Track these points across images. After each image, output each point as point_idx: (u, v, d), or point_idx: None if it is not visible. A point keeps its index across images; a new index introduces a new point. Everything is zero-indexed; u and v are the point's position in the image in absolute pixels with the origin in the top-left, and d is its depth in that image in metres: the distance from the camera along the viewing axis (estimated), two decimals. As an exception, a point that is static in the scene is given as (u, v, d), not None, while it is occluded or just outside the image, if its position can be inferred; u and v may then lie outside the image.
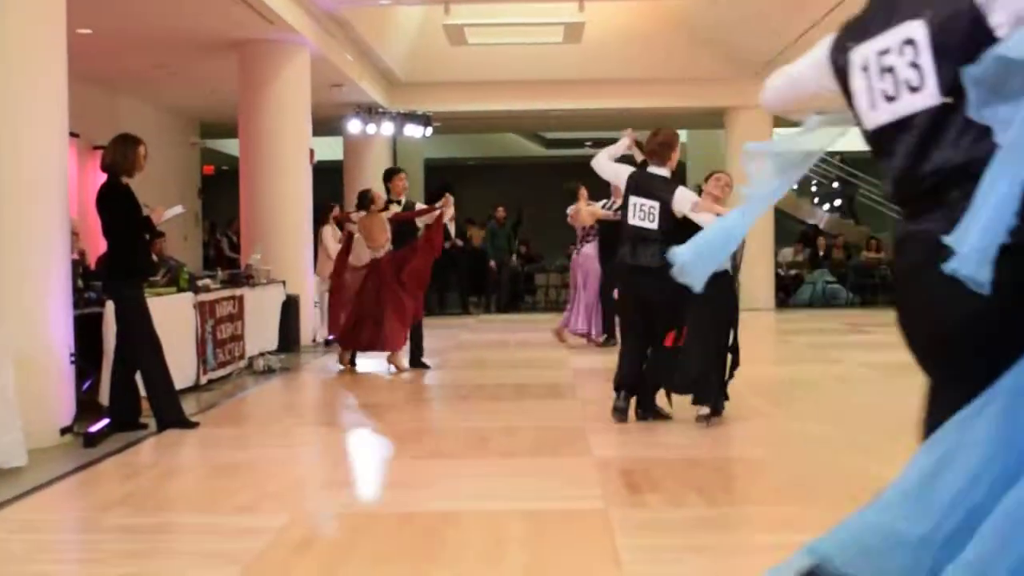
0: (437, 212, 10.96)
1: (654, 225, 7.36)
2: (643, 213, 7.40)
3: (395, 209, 11.18)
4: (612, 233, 11.79)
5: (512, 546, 4.54)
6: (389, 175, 11.80)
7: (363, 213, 10.96)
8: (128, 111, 16.64)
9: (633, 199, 7.48)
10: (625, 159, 8.44)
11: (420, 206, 11.67)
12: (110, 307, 7.76)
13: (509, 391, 9.53)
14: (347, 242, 11.21)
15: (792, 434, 7.49)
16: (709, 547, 4.49)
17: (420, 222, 11.17)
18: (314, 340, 13.64)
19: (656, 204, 7.37)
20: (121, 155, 7.43)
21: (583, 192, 12.83)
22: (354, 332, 10.83)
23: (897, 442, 6.74)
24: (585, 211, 12.12)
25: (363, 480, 6.29)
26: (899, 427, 7.21)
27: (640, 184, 7.55)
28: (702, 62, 19.48)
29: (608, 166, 7.98)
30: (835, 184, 26.19)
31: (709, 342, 7.34)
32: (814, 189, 26.35)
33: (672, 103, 20.48)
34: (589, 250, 13.07)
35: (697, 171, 25.84)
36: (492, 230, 21.29)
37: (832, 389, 9.48)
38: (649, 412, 7.61)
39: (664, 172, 7.55)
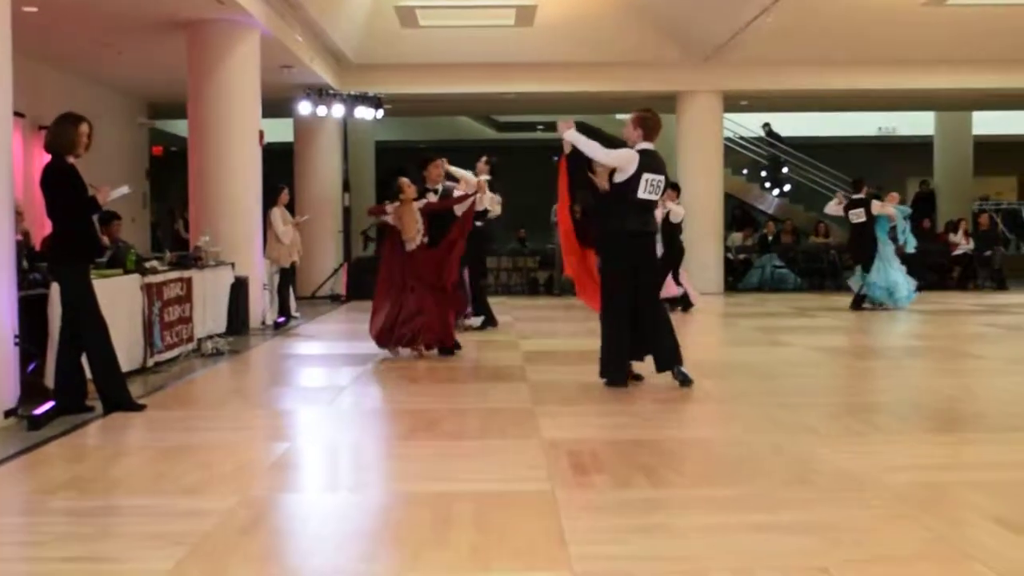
0: (471, 200, 10.72)
1: (657, 196, 8.53)
2: (652, 187, 8.38)
3: (431, 198, 10.90)
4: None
5: (458, 527, 4.56)
6: (424, 162, 11.43)
7: (397, 203, 10.53)
8: (75, 90, 16.43)
9: (646, 175, 8.35)
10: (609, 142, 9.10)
11: (457, 192, 11.26)
12: (55, 289, 7.68)
13: (460, 374, 9.55)
14: (389, 234, 10.73)
15: (739, 416, 7.55)
16: (655, 528, 4.53)
17: (457, 209, 10.78)
18: (263, 323, 13.58)
19: (662, 178, 8.47)
20: (64, 134, 7.34)
21: None
22: (391, 330, 10.43)
23: (841, 423, 6.86)
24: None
25: (310, 462, 6.28)
26: (844, 409, 7.34)
27: (651, 163, 8.43)
28: (653, 46, 19.54)
29: (612, 152, 8.55)
30: (785, 170, 26.39)
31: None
32: (763, 174, 26.53)
33: (623, 87, 20.54)
34: None
35: (648, 155, 25.93)
36: None
37: (779, 372, 9.56)
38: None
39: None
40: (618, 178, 8.38)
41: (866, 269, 16.00)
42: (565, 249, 9.23)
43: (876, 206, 15.92)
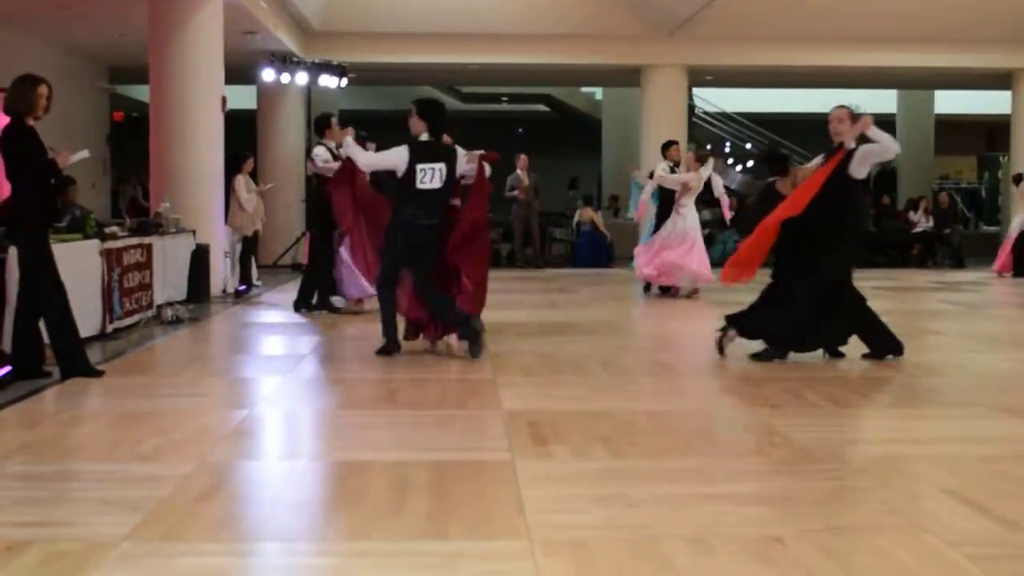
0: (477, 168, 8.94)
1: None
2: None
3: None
4: None
5: (415, 494, 4.56)
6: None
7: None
8: (32, 53, 16.18)
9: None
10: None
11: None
12: (13, 253, 7.60)
13: (419, 345, 9.53)
14: None
15: (696, 389, 7.60)
16: (614, 497, 4.55)
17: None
18: (224, 290, 13.50)
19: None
20: (22, 95, 7.24)
21: None
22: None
23: (798, 398, 6.91)
24: None
25: (269, 430, 6.26)
26: (802, 384, 7.39)
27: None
28: (619, 19, 19.53)
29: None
30: (748, 145, 26.48)
31: None
32: (727, 150, 26.60)
33: (588, 60, 20.56)
34: None
35: (611, 130, 25.97)
36: None
37: (735, 346, 9.61)
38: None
39: None
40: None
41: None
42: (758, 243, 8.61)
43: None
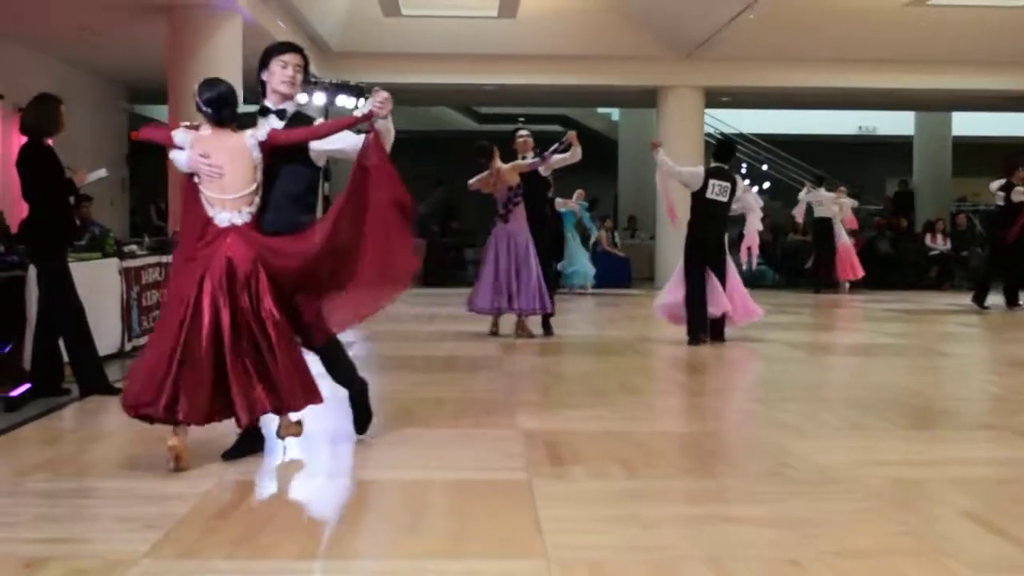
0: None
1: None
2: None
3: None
4: (538, 195, 11.71)
5: (432, 514, 4.57)
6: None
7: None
8: (55, 74, 16.33)
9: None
10: None
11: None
12: (32, 272, 7.65)
13: (437, 363, 9.54)
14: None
15: (714, 409, 7.59)
16: (631, 518, 4.55)
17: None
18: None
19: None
20: (46, 114, 7.31)
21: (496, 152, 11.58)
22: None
23: (815, 420, 6.89)
24: (507, 168, 11.31)
25: (287, 448, 6.27)
26: (818, 405, 7.37)
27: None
28: (636, 40, 19.57)
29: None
30: (764, 166, 26.48)
31: None
32: (744, 170, 26.59)
33: (605, 81, 20.58)
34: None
35: (628, 150, 25.99)
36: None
37: (754, 367, 9.61)
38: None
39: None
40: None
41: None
42: None
43: (559, 203, 16.40)
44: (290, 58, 5.90)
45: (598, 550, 4.11)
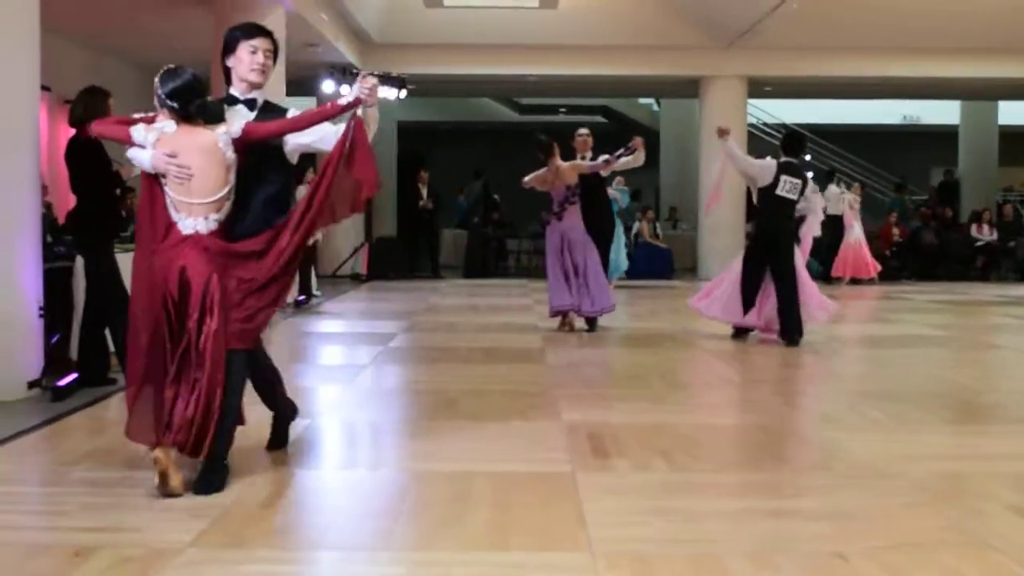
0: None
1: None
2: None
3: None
4: (595, 194, 11.62)
5: (475, 505, 4.57)
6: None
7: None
8: (101, 66, 16.46)
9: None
10: None
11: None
12: (79, 263, 7.72)
13: (479, 355, 9.55)
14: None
15: (758, 402, 7.55)
16: (674, 511, 4.54)
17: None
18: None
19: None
20: (94, 107, 7.36)
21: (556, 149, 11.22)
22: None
23: (860, 412, 6.85)
24: (566, 166, 11.06)
25: (330, 439, 6.30)
26: (863, 398, 7.32)
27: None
28: (677, 31, 19.49)
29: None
30: (808, 157, 26.26)
31: None
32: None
33: (647, 71, 20.51)
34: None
35: (669, 141, 25.90)
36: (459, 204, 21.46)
37: (797, 359, 9.54)
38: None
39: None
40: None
41: None
42: None
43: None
44: (260, 43, 5.18)
45: (642, 543, 4.10)
